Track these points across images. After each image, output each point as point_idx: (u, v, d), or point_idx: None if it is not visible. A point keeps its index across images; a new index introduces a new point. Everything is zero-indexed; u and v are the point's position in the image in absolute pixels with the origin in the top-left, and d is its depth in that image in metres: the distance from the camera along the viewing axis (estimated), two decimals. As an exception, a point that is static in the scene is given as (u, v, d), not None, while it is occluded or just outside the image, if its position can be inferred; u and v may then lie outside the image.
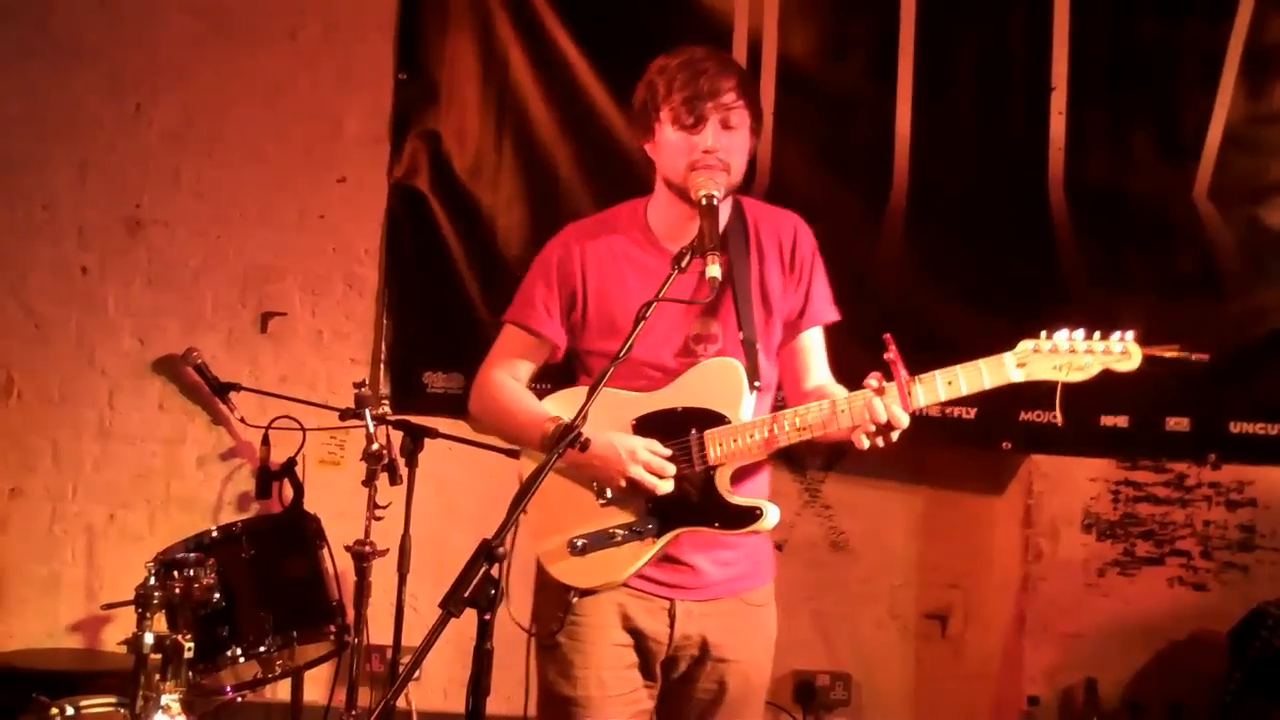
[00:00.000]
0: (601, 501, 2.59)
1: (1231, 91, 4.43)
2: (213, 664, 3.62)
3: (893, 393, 2.40)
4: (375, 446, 3.84)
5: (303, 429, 4.39)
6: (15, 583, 4.76)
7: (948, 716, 4.65)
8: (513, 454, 3.38)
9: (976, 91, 4.54)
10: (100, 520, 4.76)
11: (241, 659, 3.67)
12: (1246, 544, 4.43)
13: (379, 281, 4.77)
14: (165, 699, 3.13)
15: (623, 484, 2.54)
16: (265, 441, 4.44)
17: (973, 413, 4.44)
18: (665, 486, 2.53)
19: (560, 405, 2.62)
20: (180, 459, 4.77)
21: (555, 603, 2.63)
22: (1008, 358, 2.40)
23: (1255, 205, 4.46)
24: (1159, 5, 4.48)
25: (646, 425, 2.60)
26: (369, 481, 3.83)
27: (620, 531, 2.57)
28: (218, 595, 3.52)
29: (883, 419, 2.40)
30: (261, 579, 3.77)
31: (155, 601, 3.19)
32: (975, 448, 4.52)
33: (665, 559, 2.61)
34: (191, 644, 3.19)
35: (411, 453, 3.88)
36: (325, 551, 3.98)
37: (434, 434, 3.96)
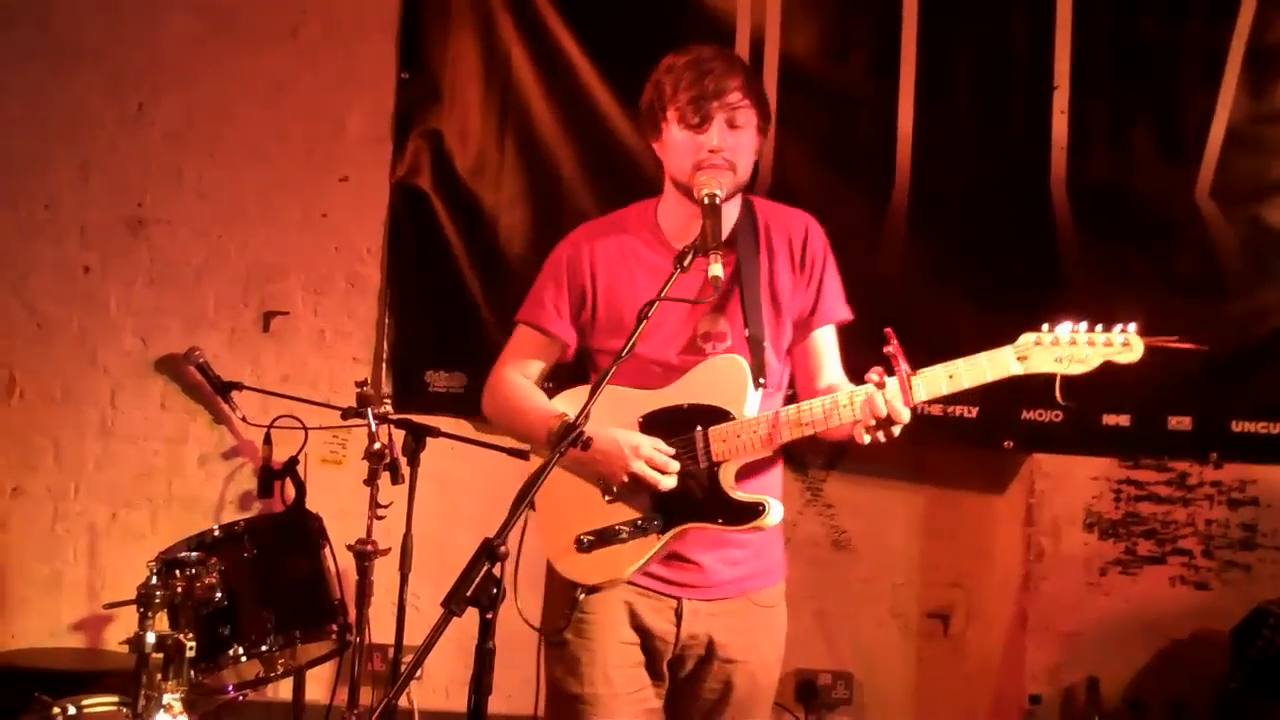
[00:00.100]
0: (608, 498, 2.60)
1: (1233, 91, 4.43)
2: (215, 663, 3.62)
3: (893, 387, 2.40)
4: (377, 446, 3.84)
5: (305, 428, 4.40)
6: (17, 582, 4.77)
7: (949, 715, 4.65)
8: (518, 454, 3.40)
9: (978, 90, 4.54)
10: (102, 519, 4.77)
11: (243, 658, 3.67)
12: (1248, 543, 4.43)
13: (381, 281, 4.77)
14: (167, 698, 3.13)
15: (625, 479, 2.54)
16: (267, 440, 4.44)
17: (974, 411, 4.44)
18: (668, 482, 2.53)
19: (569, 403, 2.63)
20: (182, 458, 4.77)
21: (563, 600, 2.64)
22: (1008, 350, 2.39)
23: (1257, 204, 4.46)
24: (1161, 4, 4.48)
25: (653, 422, 2.60)
26: (371, 481, 3.83)
27: (625, 528, 2.58)
28: (219, 594, 3.52)
29: (883, 413, 2.40)
30: (263, 578, 3.77)
31: (157, 601, 3.20)
32: (977, 447, 4.52)
33: (673, 558, 2.62)
34: (193, 643, 3.19)
35: (413, 452, 3.88)
36: (327, 550, 3.98)
37: (436, 433, 3.96)
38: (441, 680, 4.57)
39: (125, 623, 3.71)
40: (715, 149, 2.56)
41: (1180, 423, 4.43)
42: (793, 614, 2.78)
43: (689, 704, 2.71)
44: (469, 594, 2.03)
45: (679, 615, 2.64)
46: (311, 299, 4.79)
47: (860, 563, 4.69)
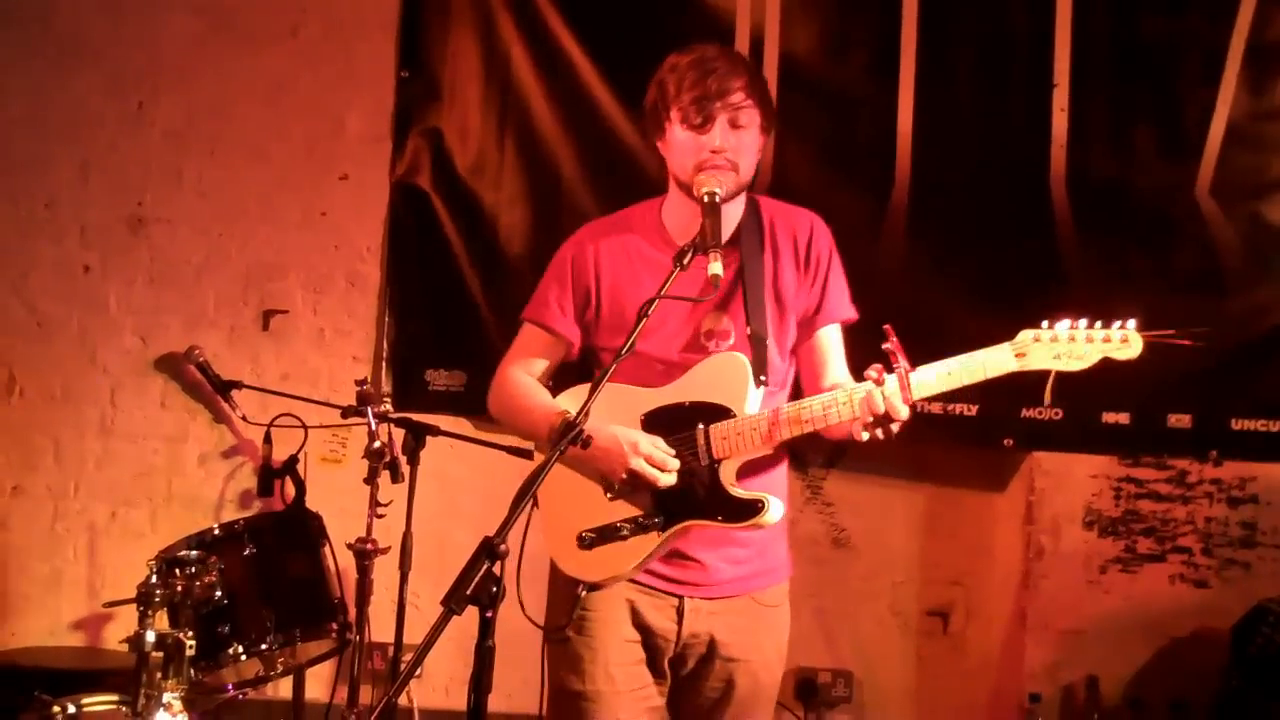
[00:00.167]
0: (609, 495, 2.60)
1: (1234, 88, 4.42)
2: (214, 662, 3.62)
3: (892, 384, 2.40)
4: (377, 444, 3.84)
5: (304, 427, 4.40)
6: (17, 580, 4.77)
7: (949, 713, 4.65)
8: (518, 453, 3.40)
9: (978, 88, 4.53)
10: (102, 518, 4.77)
11: (243, 657, 3.67)
12: (1248, 541, 4.42)
13: (381, 279, 4.77)
14: (167, 697, 3.14)
15: (624, 476, 2.55)
16: (267, 439, 4.44)
17: (974, 409, 4.44)
18: (666, 479, 2.53)
19: (572, 401, 2.63)
20: (182, 457, 4.77)
21: (565, 597, 2.65)
22: (1006, 347, 2.39)
23: (1257, 201, 4.45)
24: (1161, 1, 4.48)
25: (655, 420, 2.61)
26: (371, 479, 3.83)
27: (626, 525, 2.58)
28: (219, 593, 3.54)
29: (881, 410, 2.39)
30: (263, 577, 3.77)
31: (157, 599, 3.20)
32: (977, 445, 4.52)
33: (675, 555, 2.62)
34: (193, 642, 3.20)
35: (413, 450, 3.88)
36: (327, 549, 3.98)
37: (436, 432, 3.96)
38: (441, 679, 4.57)
39: (125, 621, 3.71)
40: (717, 149, 2.56)
41: (1180, 420, 4.43)
42: (793, 612, 2.79)
43: (690, 702, 2.71)
44: (469, 592, 2.03)
45: (680, 613, 2.64)
46: (311, 298, 4.79)
47: (860, 561, 4.69)
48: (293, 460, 4.28)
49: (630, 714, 2.63)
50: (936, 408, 4.33)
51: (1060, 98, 4.47)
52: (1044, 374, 2.37)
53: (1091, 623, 4.42)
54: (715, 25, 4.52)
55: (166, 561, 3.36)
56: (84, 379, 4.79)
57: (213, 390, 4.65)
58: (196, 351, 4.64)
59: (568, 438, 2.28)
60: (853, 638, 4.66)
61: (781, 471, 2.72)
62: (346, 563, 3.90)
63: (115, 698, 3.26)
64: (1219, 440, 4.42)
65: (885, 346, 2.38)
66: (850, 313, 2.76)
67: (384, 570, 3.88)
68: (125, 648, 3.20)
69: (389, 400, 4.42)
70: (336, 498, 4.29)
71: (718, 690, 2.69)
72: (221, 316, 4.78)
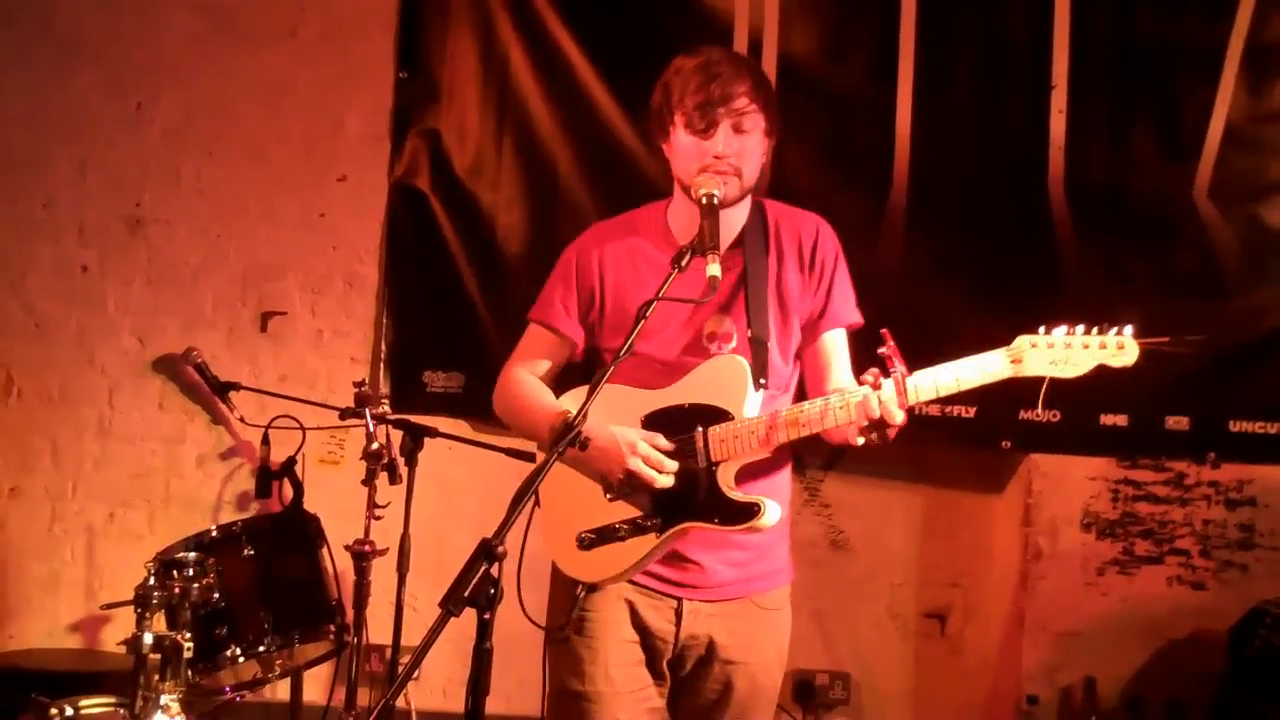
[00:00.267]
0: (609, 496, 2.60)
1: (1232, 90, 4.43)
2: (212, 664, 3.61)
3: (889, 389, 2.39)
4: (375, 446, 3.84)
5: (302, 428, 4.39)
6: (15, 582, 4.76)
7: (947, 715, 4.65)
8: (516, 454, 3.40)
9: (977, 90, 4.53)
10: (100, 519, 4.76)
11: (241, 659, 3.67)
12: (1246, 543, 4.43)
13: (379, 280, 4.77)
14: (164, 699, 3.14)
15: (622, 477, 2.55)
16: (265, 441, 4.44)
17: (972, 411, 4.44)
18: (664, 480, 2.53)
19: (576, 401, 2.62)
20: (180, 458, 4.77)
21: (565, 598, 2.65)
22: (1002, 353, 2.38)
23: (1255, 204, 4.46)
24: (1159, 3, 4.48)
25: (655, 421, 2.61)
26: (369, 481, 3.83)
27: (624, 527, 2.58)
28: (217, 595, 3.53)
29: (876, 415, 2.39)
30: (261, 578, 3.76)
31: (155, 601, 3.20)
32: (975, 447, 4.52)
33: (674, 557, 2.62)
34: (191, 644, 3.20)
35: (411, 452, 3.88)
36: (325, 551, 3.98)
37: (434, 433, 3.95)
38: (439, 681, 4.57)
39: (123, 623, 3.71)
40: (720, 155, 2.56)
41: (1178, 423, 4.43)
42: (791, 614, 2.79)
43: (689, 704, 2.71)
44: (466, 594, 2.02)
45: (679, 615, 2.64)
46: (309, 299, 4.79)
47: (858, 563, 4.69)
48: (291, 462, 4.28)
49: (630, 715, 2.63)
50: (935, 409, 4.33)
51: (1059, 99, 4.47)
52: (1040, 378, 2.37)
53: (1089, 624, 4.42)
54: (714, 26, 4.53)
55: (164, 563, 3.36)
56: (82, 380, 4.78)
57: (211, 391, 4.65)
58: (194, 352, 4.63)
59: (565, 439, 2.28)
60: (850, 639, 4.67)
61: (784, 475, 2.72)
62: (344, 564, 3.90)
63: (113, 700, 3.26)
64: (1217, 442, 4.43)
65: (881, 351, 2.37)
66: (855, 317, 2.76)
67: (382, 572, 3.87)
68: (123, 649, 3.20)
69: (387, 402, 4.40)
70: (334, 499, 4.28)
71: (716, 692, 2.69)
72: (219, 317, 4.78)
